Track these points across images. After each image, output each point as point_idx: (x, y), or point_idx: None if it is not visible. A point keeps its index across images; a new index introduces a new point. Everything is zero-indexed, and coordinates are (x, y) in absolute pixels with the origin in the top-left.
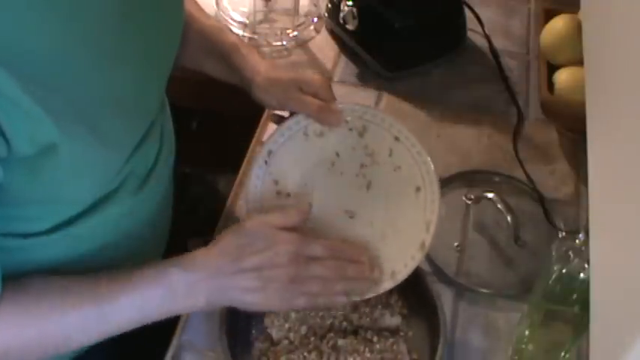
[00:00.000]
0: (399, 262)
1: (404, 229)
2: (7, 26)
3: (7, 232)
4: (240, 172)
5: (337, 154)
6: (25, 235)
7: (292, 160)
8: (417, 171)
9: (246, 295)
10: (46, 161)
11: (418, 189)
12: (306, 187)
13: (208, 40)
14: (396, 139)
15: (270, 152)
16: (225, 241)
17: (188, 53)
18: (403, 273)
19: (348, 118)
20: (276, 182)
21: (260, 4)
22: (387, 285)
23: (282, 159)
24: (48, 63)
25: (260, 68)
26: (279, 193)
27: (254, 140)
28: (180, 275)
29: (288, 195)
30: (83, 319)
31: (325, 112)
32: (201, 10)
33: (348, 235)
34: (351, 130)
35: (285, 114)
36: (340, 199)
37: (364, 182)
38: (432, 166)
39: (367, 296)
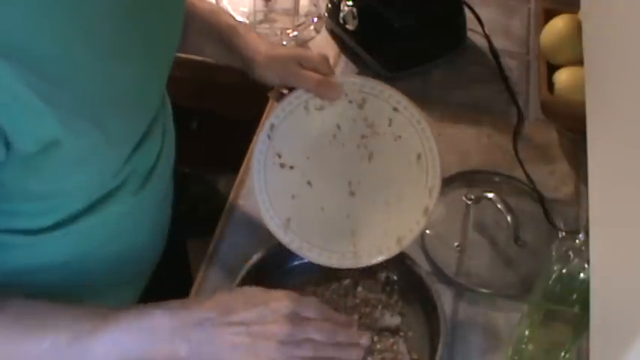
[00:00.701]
0: (403, 227)
1: (407, 196)
2: (11, 20)
3: (8, 228)
4: (240, 172)
5: (338, 127)
6: (27, 232)
7: (294, 133)
8: (416, 139)
9: (233, 351)
10: (47, 157)
11: (419, 156)
12: (308, 160)
13: (206, 24)
14: (395, 109)
15: (272, 126)
16: (219, 295)
17: (188, 39)
18: (408, 238)
19: (348, 92)
20: (279, 155)
21: (260, 4)
22: (394, 251)
23: (284, 133)
24: (52, 58)
25: (260, 47)
26: (282, 165)
27: (252, 144)
28: (164, 318)
29: (292, 168)
30: (57, 349)
31: (325, 86)
32: None
33: (352, 204)
34: (350, 102)
35: (286, 91)
36: (343, 169)
37: (366, 153)
38: (431, 132)
39: (375, 261)
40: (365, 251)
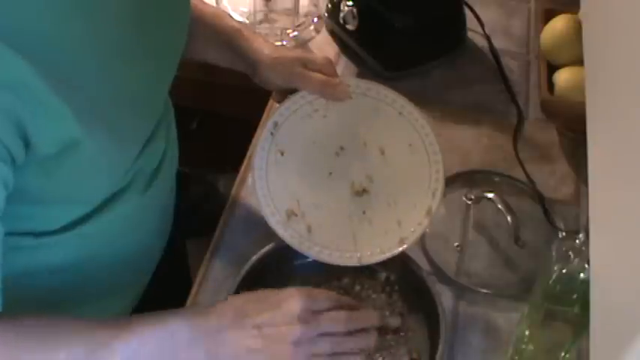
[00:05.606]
0: (406, 228)
1: (410, 198)
2: (28, 20)
3: (20, 231)
4: (241, 171)
5: (342, 129)
6: (36, 234)
7: (298, 132)
8: (420, 143)
9: (248, 354)
10: (64, 160)
11: (422, 160)
12: (311, 159)
13: (209, 28)
14: (400, 113)
15: (276, 124)
16: (231, 299)
17: (191, 43)
18: (411, 239)
19: (352, 94)
20: (281, 153)
21: (260, 4)
22: (396, 251)
23: (287, 131)
24: (70, 61)
25: (264, 50)
26: (284, 163)
27: (254, 140)
28: (182, 327)
29: (294, 166)
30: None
31: (330, 87)
32: None
33: (354, 205)
34: (354, 106)
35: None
36: (346, 170)
37: (369, 155)
38: (434, 137)
39: (375, 260)
40: (366, 251)
